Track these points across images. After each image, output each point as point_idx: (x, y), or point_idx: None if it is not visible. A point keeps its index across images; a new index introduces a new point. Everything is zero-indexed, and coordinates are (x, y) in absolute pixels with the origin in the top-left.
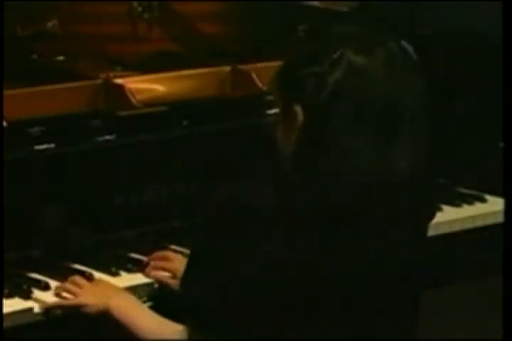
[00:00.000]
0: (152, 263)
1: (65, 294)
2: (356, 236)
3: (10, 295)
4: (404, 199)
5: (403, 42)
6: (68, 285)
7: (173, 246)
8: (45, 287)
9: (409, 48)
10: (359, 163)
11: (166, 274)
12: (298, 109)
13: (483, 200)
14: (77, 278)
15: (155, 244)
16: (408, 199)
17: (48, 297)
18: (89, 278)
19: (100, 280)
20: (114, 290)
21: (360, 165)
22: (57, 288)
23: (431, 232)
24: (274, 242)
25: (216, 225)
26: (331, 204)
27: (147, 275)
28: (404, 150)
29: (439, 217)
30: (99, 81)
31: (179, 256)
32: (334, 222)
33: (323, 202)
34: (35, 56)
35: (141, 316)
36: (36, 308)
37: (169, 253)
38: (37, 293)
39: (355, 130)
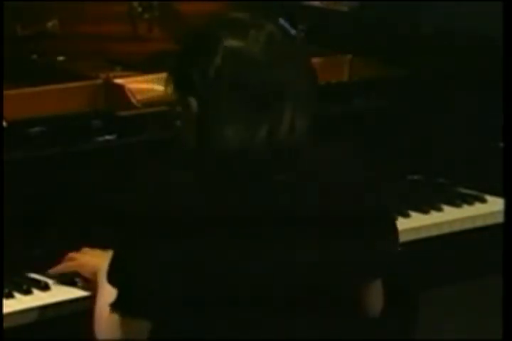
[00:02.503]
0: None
1: None
2: (261, 235)
3: (10, 295)
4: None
5: (281, 22)
6: (73, 254)
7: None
8: (45, 287)
9: (288, 27)
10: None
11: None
12: (191, 100)
13: (483, 200)
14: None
15: None
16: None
17: (48, 297)
18: None
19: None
20: None
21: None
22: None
23: (431, 232)
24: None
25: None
26: (235, 201)
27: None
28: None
29: (439, 217)
30: (99, 81)
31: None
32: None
33: (230, 197)
34: (35, 56)
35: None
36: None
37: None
38: (37, 293)
39: (242, 116)
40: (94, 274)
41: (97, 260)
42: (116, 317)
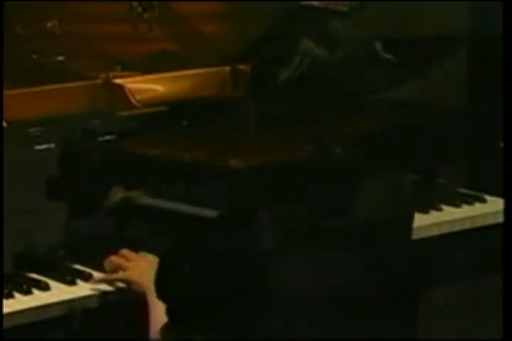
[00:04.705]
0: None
1: None
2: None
3: (10, 295)
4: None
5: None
6: (117, 259)
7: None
8: (45, 287)
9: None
10: None
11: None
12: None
13: (483, 200)
14: (127, 252)
15: (154, 244)
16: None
17: (48, 297)
18: (90, 277)
19: (147, 255)
20: None
21: None
22: (106, 262)
23: (431, 232)
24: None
25: None
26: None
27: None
28: None
29: (439, 217)
30: (99, 81)
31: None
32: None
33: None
34: (35, 56)
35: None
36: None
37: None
38: (37, 293)
39: None
40: (143, 290)
41: (144, 279)
42: None
